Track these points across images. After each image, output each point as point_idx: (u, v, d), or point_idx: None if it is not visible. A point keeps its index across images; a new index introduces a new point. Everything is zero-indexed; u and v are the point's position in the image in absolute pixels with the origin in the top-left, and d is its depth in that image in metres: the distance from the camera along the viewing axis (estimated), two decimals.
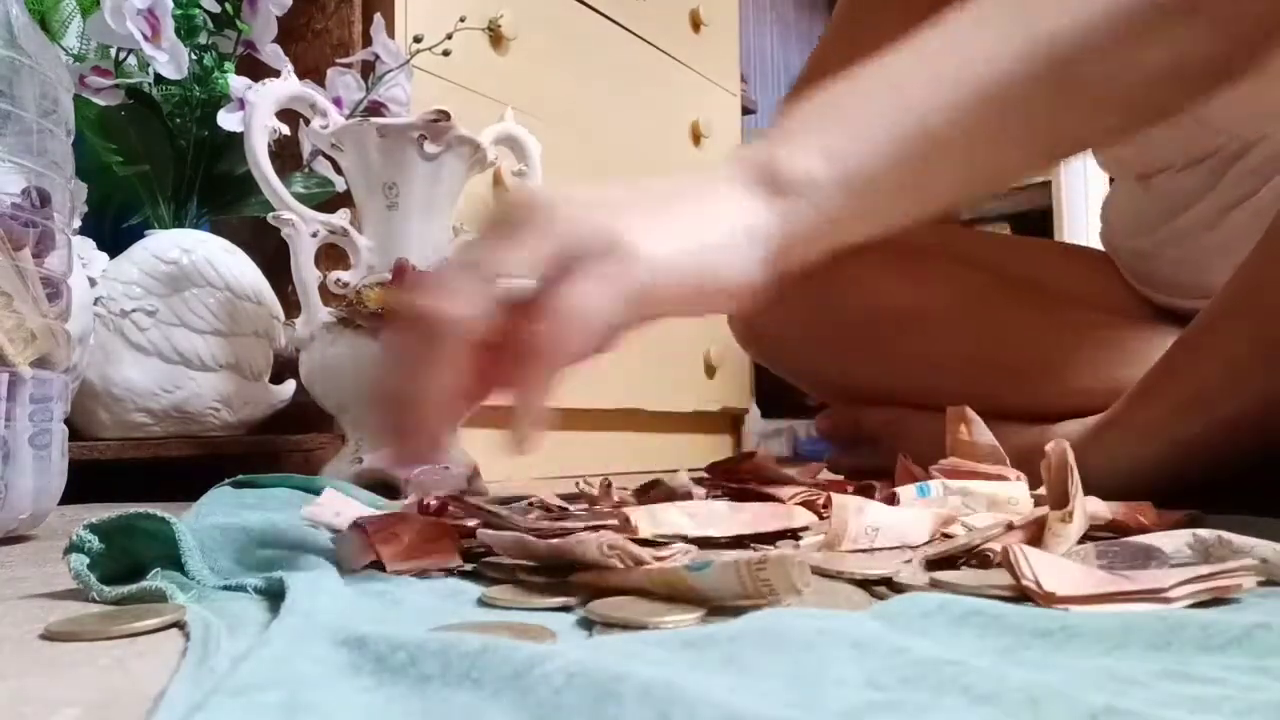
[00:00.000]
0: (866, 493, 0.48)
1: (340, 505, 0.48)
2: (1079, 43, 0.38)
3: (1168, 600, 0.27)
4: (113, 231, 0.98)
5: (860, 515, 0.37)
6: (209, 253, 0.87)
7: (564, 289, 0.31)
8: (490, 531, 0.35)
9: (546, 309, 0.31)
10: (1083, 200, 1.59)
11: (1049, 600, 0.27)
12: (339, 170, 0.86)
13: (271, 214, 0.78)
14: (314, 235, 0.78)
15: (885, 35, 0.51)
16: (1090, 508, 0.38)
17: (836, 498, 0.38)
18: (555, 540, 0.32)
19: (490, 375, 0.32)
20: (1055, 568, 0.29)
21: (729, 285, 0.36)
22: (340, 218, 0.80)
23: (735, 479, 0.55)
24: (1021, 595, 0.28)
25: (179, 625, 0.28)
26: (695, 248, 0.34)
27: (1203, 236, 0.69)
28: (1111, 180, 0.83)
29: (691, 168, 1.61)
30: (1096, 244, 0.86)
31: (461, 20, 0.93)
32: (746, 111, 1.90)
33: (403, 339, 0.32)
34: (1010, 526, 0.35)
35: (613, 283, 0.32)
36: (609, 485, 0.53)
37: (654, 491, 0.53)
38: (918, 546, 0.37)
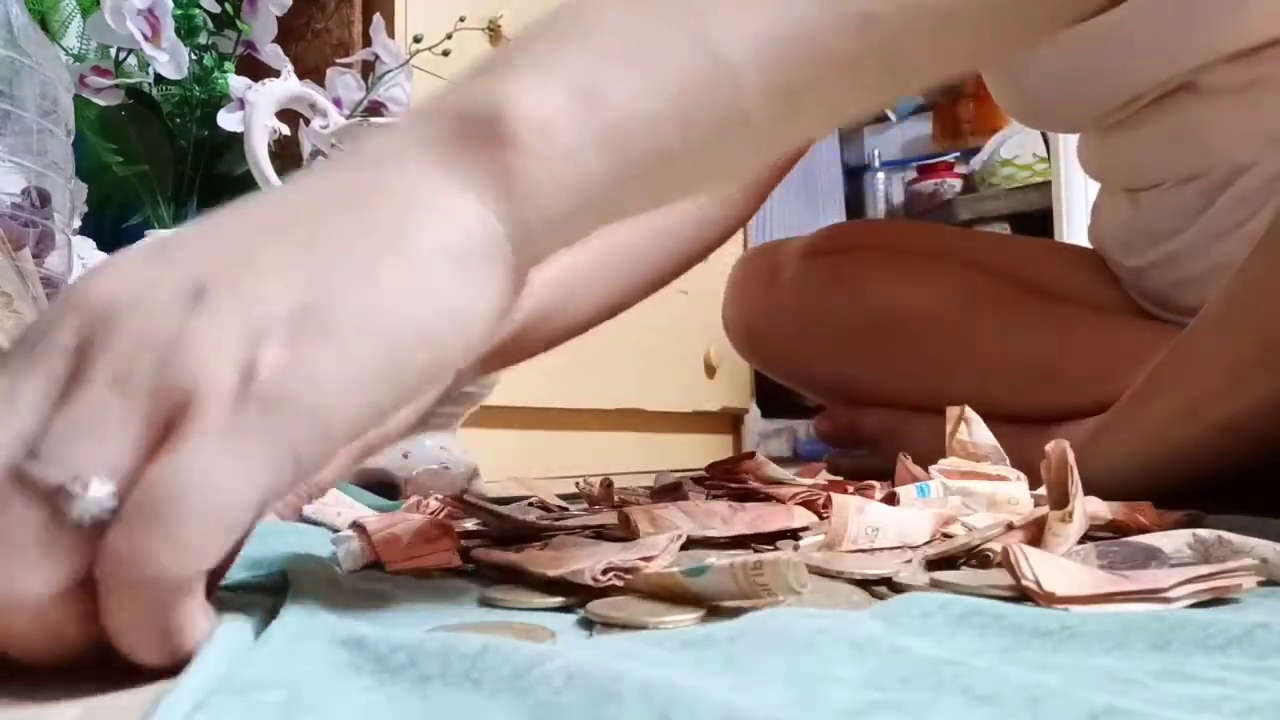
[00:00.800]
0: (866, 493, 0.48)
1: (342, 505, 0.48)
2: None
3: (1168, 600, 0.27)
4: (113, 231, 0.98)
5: (860, 515, 0.37)
6: None
7: (164, 469, 0.19)
8: (487, 552, 0.35)
9: (134, 508, 0.19)
10: (1082, 200, 1.59)
11: (1049, 600, 0.27)
12: None
13: None
14: None
15: None
16: (1090, 507, 0.38)
17: (836, 497, 0.38)
18: (549, 561, 0.32)
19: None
20: (1055, 568, 0.29)
21: (456, 350, 0.23)
22: None
23: (735, 479, 0.55)
24: (1021, 595, 0.29)
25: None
26: (382, 356, 0.22)
27: (1193, 262, 0.69)
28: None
29: None
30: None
31: (461, 20, 0.93)
32: None
33: None
34: (1010, 526, 0.35)
35: (259, 445, 0.20)
36: (609, 485, 0.54)
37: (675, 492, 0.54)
38: (918, 546, 0.37)
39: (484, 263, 0.24)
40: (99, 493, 0.19)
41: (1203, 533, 0.34)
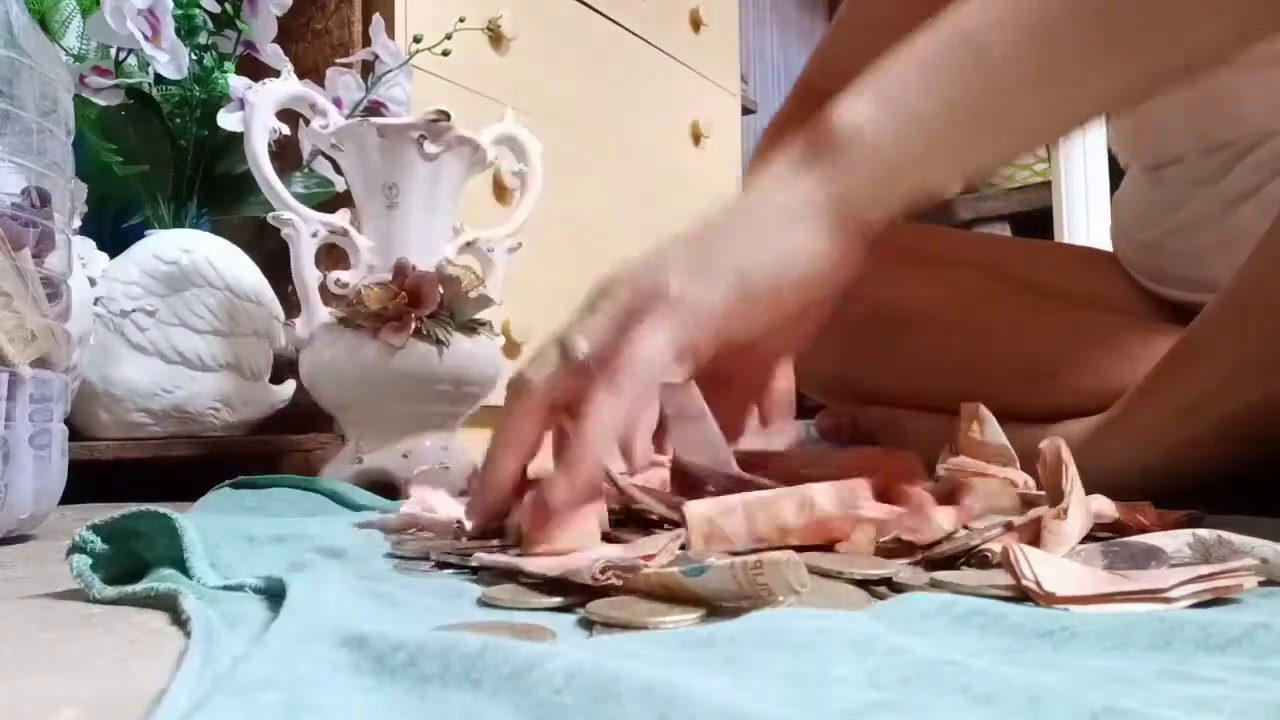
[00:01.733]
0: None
1: (430, 499, 0.48)
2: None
3: (1168, 600, 0.27)
4: (113, 231, 0.98)
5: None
6: (209, 253, 0.88)
7: (619, 344, 0.36)
8: (486, 556, 0.35)
9: (607, 364, 0.35)
10: (1082, 200, 1.59)
11: (1049, 600, 0.27)
12: (339, 170, 0.86)
13: (271, 214, 0.78)
14: (314, 235, 0.78)
15: (888, 28, 0.52)
16: (1095, 506, 0.38)
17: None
18: (549, 561, 0.32)
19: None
20: (1055, 568, 0.29)
21: (793, 281, 0.38)
22: (340, 218, 0.80)
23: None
24: (1021, 595, 0.28)
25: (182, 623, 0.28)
26: (735, 278, 0.38)
27: (1208, 229, 0.69)
28: (1122, 174, 0.83)
29: (691, 168, 1.61)
30: (1096, 244, 0.86)
31: (461, 20, 0.93)
32: (746, 111, 1.90)
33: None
34: (1010, 526, 0.35)
35: (658, 328, 0.36)
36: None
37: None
38: (920, 546, 0.37)
39: (812, 223, 0.38)
40: (583, 348, 0.36)
41: (1203, 533, 0.34)
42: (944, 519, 0.35)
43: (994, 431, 0.49)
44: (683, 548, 0.35)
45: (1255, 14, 0.38)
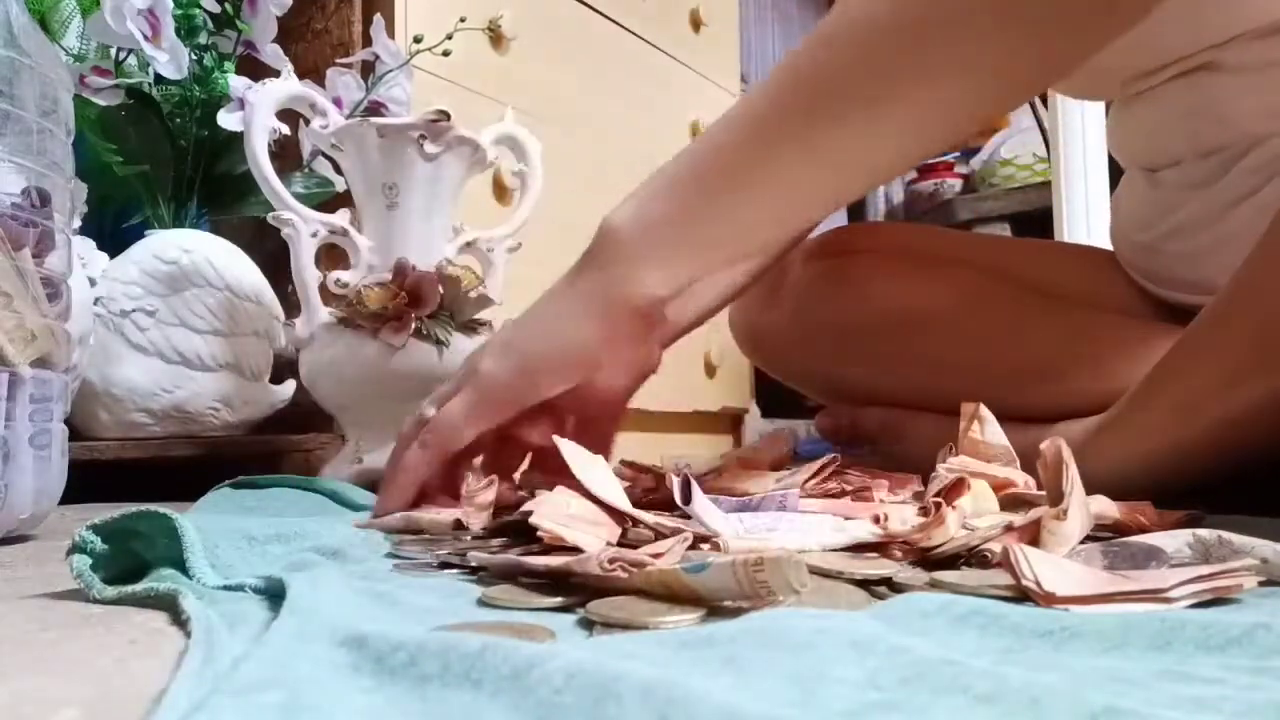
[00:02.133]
0: (865, 495, 0.48)
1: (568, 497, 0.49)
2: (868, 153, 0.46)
3: (1168, 600, 0.27)
4: (113, 231, 0.98)
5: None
6: (209, 253, 0.87)
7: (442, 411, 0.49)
8: (483, 555, 0.35)
9: (427, 425, 0.50)
10: (1082, 200, 1.59)
11: (1049, 600, 0.27)
12: (339, 170, 0.86)
13: (271, 214, 0.78)
14: (314, 235, 0.78)
15: None
16: (1096, 507, 0.38)
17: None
18: (554, 560, 0.32)
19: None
20: (1055, 568, 0.29)
21: (562, 359, 0.48)
22: (340, 218, 0.80)
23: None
24: (1021, 595, 0.28)
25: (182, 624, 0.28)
26: (520, 352, 0.49)
27: (1205, 232, 0.69)
28: (1122, 174, 0.83)
29: None
30: (1096, 244, 0.86)
31: (461, 20, 0.93)
32: None
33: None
34: (1010, 527, 0.35)
35: (458, 400, 0.49)
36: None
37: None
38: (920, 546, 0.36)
39: (581, 310, 0.48)
40: (427, 412, 0.50)
41: (1203, 533, 0.34)
42: (952, 522, 0.35)
43: (994, 431, 0.49)
44: (692, 547, 0.35)
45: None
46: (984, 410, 0.49)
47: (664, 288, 0.48)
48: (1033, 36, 0.42)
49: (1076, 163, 1.61)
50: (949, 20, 0.42)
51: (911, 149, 0.47)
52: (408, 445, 0.49)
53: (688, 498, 0.36)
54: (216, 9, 0.91)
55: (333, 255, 0.83)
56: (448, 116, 0.77)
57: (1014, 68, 0.44)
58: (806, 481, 0.50)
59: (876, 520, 0.37)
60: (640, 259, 0.47)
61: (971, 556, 0.34)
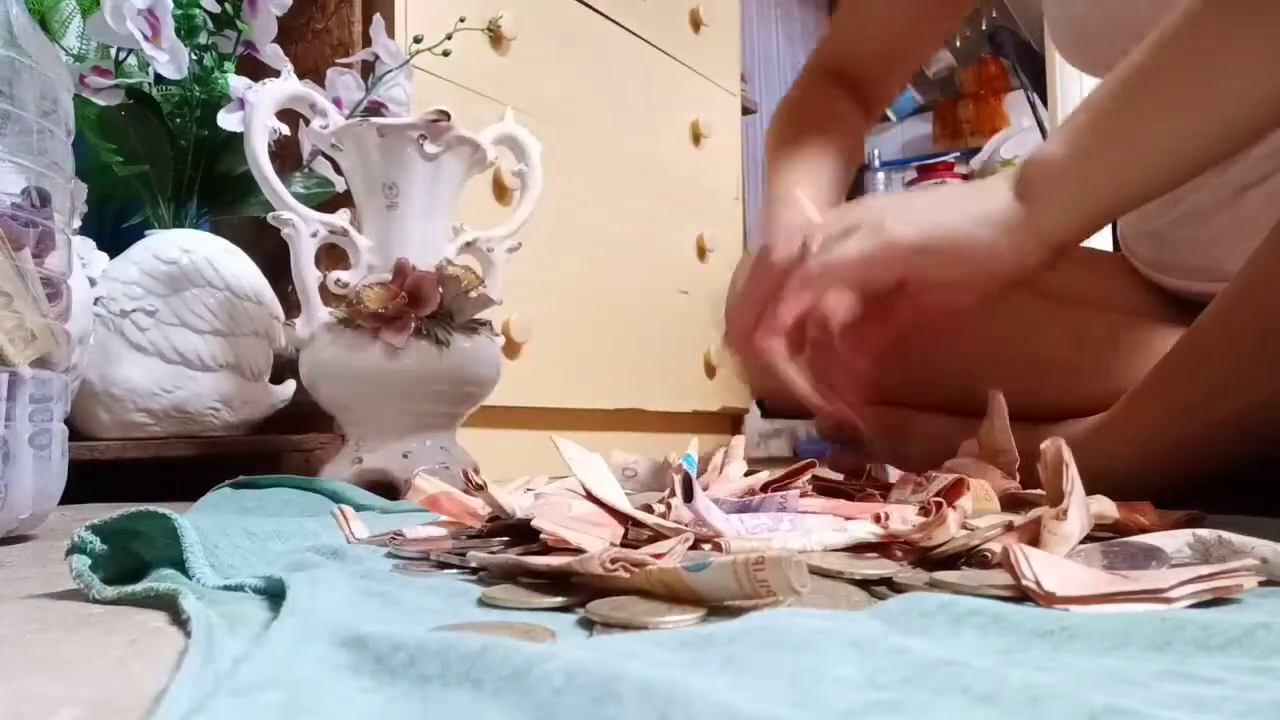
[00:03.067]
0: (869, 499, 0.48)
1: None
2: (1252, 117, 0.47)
3: (1168, 600, 0.27)
4: (113, 231, 0.98)
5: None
6: (209, 253, 0.88)
7: (827, 252, 0.50)
8: (482, 555, 0.35)
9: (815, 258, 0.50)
10: None
11: (1049, 600, 0.27)
12: (339, 170, 0.86)
13: (271, 214, 0.78)
14: (314, 235, 0.78)
15: (887, 20, 0.72)
16: (1096, 507, 0.38)
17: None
18: (555, 560, 0.32)
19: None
20: (1055, 568, 0.29)
21: (969, 250, 0.49)
22: (340, 218, 0.80)
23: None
24: (1021, 595, 0.28)
25: (181, 624, 0.28)
26: (932, 227, 0.49)
27: (1216, 218, 0.69)
28: None
29: (691, 168, 1.61)
30: (1096, 244, 0.86)
31: (461, 20, 0.93)
32: (746, 111, 1.90)
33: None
34: (1010, 526, 0.35)
35: (858, 244, 0.50)
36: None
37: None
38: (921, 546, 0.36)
39: (1000, 220, 0.49)
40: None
41: (1203, 533, 0.34)
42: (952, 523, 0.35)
43: (1001, 429, 0.49)
44: (693, 547, 0.35)
45: None
46: (998, 403, 0.51)
47: (1080, 230, 0.50)
48: None
49: None
50: None
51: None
52: (767, 264, 0.52)
53: (689, 496, 0.36)
54: (216, 9, 0.91)
55: (333, 255, 0.83)
56: (448, 116, 0.77)
57: None
58: (770, 485, 0.49)
59: (878, 519, 0.37)
60: (1063, 200, 0.49)
61: (971, 556, 0.34)
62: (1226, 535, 0.33)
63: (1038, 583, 0.28)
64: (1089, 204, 0.50)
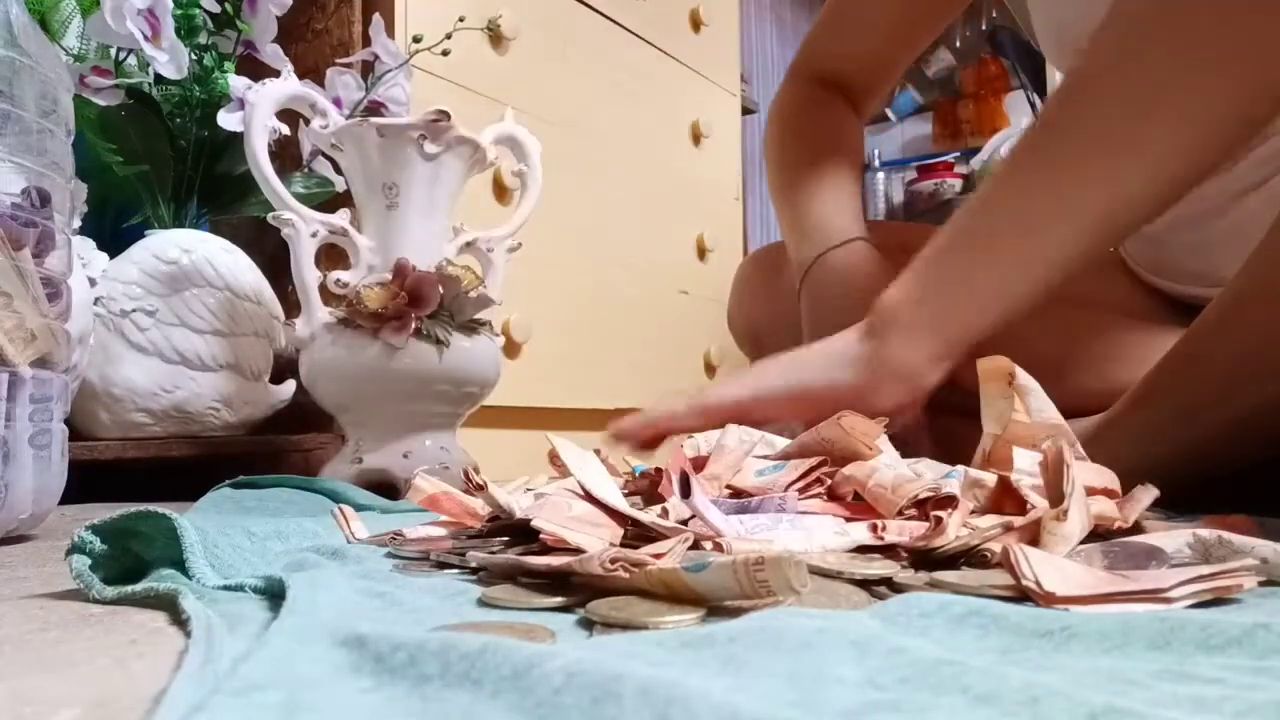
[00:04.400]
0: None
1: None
2: (1130, 206, 0.49)
3: (1168, 600, 0.27)
4: (113, 231, 0.98)
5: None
6: (209, 253, 0.88)
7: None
8: (482, 555, 0.35)
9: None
10: None
11: (1049, 600, 0.27)
12: (339, 170, 0.86)
13: (271, 214, 0.78)
14: (314, 235, 0.78)
15: (872, 24, 0.70)
16: (1097, 508, 0.38)
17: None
18: (555, 560, 0.32)
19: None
20: (1055, 568, 0.29)
21: (834, 397, 0.53)
22: (340, 218, 0.80)
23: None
24: (1021, 595, 0.28)
25: (181, 623, 0.28)
26: (792, 376, 0.57)
27: (1215, 222, 0.69)
28: None
29: (691, 167, 1.61)
30: None
31: (461, 20, 0.93)
32: (746, 111, 1.90)
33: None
34: (1010, 527, 0.35)
35: (738, 383, 0.58)
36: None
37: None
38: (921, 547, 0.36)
39: (846, 358, 0.55)
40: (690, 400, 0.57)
41: (1203, 532, 0.34)
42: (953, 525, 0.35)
43: (1041, 401, 0.45)
44: (693, 547, 0.35)
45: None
46: (1024, 380, 0.45)
47: (930, 362, 0.54)
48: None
49: None
50: (1217, 15, 0.44)
51: (1176, 171, 0.48)
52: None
53: (687, 493, 0.36)
54: (216, 9, 0.91)
55: (333, 255, 0.83)
56: (448, 116, 0.77)
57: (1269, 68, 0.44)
58: (791, 485, 0.46)
59: (874, 529, 0.37)
60: (907, 337, 0.54)
61: (971, 556, 0.34)
62: (1227, 535, 0.33)
63: (1038, 583, 0.28)
64: (931, 337, 0.54)
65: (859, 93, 0.82)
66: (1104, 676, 0.21)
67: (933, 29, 0.81)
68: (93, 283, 0.82)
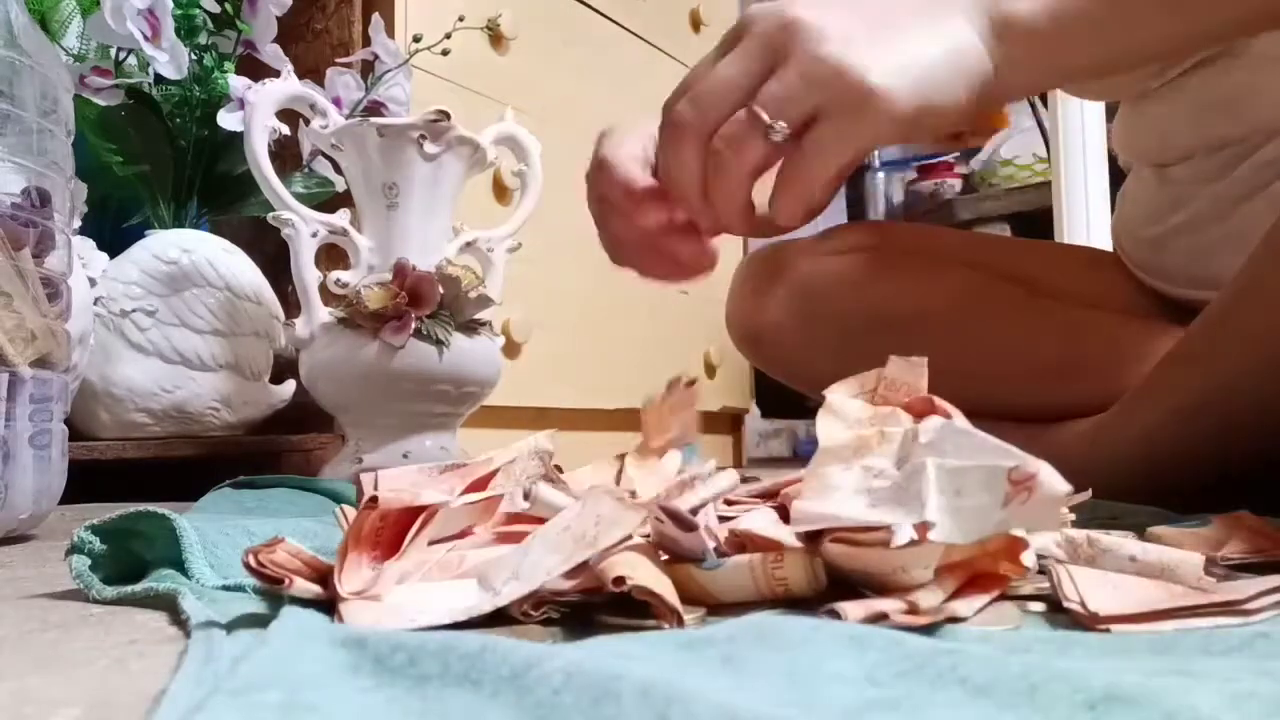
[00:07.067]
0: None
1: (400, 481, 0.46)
2: None
3: (1247, 613, 0.26)
4: (113, 231, 0.98)
5: None
6: (209, 253, 0.88)
7: (817, 131, 0.40)
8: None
9: (800, 146, 0.40)
10: (1082, 200, 1.59)
11: (1093, 621, 0.26)
12: (339, 170, 0.86)
13: (271, 214, 0.78)
14: (314, 235, 0.78)
15: None
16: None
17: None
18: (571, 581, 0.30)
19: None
20: (1112, 585, 0.27)
21: (944, 110, 0.41)
22: (340, 218, 0.80)
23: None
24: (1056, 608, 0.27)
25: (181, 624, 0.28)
26: (922, 77, 0.40)
27: (1214, 226, 0.69)
28: (1125, 173, 0.83)
29: None
30: (1096, 244, 0.86)
31: (461, 20, 0.93)
32: None
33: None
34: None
35: (855, 121, 0.39)
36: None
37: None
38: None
39: (970, 75, 0.41)
40: (784, 131, 0.40)
41: (1072, 532, 0.32)
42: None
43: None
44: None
45: None
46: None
47: (1022, 94, 0.49)
48: None
49: (1076, 163, 1.60)
50: None
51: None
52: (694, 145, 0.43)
53: (689, 527, 0.34)
54: (216, 9, 0.91)
55: (333, 255, 0.83)
56: (448, 116, 0.77)
57: None
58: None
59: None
60: (1022, 68, 0.43)
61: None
62: (1095, 534, 0.32)
63: (1082, 603, 0.26)
64: (1055, 71, 0.47)
65: None
66: (1105, 672, 0.21)
67: None
68: (93, 283, 0.82)
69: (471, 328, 0.79)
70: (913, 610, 0.25)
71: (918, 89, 0.39)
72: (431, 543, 0.34)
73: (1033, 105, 2.01)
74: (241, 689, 0.19)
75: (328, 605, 0.28)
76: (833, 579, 0.28)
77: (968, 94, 0.41)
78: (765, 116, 0.40)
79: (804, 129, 0.40)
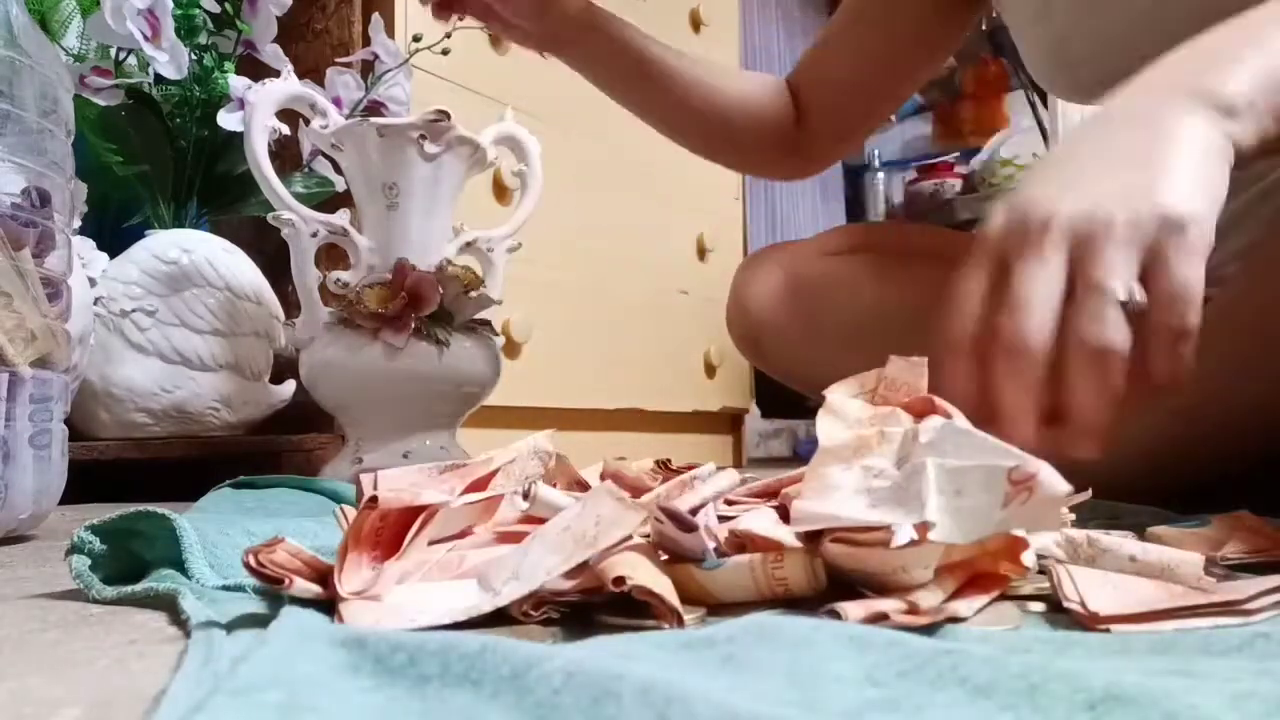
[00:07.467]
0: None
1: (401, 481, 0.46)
2: None
3: (1247, 613, 0.26)
4: (113, 231, 0.98)
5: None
6: (209, 253, 0.88)
7: (1165, 275, 0.37)
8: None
9: (1158, 299, 0.38)
10: None
11: (1093, 621, 0.26)
12: (339, 170, 0.86)
13: (271, 214, 0.78)
14: (314, 235, 0.78)
15: (887, 30, 0.64)
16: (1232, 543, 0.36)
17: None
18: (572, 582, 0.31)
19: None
20: (1112, 585, 0.27)
21: (1223, 196, 0.40)
22: (340, 218, 0.80)
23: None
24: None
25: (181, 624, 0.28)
26: (1209, 187, 0.40)
27: (1221, 243, 0.69)
28: None
29: (691, 168, 1.61)
30: None
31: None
32: None
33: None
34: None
35: (1191, 251, 0.38)
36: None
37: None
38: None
39: (1220, 154, 0.40)
40: (1139, 297, 0.37)
41: (1072, 532, 0.32)
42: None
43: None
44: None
45: None
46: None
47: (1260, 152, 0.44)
48: None
49: None
50: None
51: None
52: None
53: (688, 527, 0.34)
54: (216, 9, 0.91)
55: (333, 255, 0.83)
56: (448, 116, 0.77)
57: None
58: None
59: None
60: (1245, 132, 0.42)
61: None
62: (1095, 534, 0.32)
63: (1082, 603, 0.26)
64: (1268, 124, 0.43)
65: (819, 113, 0.80)
66: (1105, 672, 0.21)
67: (909, 76, 0.80)
68: (93, 283, 0.82)
69: (471, 328, 0.79)
70: (913, 610, 0.25)
71: (1201, 189, 0.39)
72: (431, 543, 0.34)
73: (1032, 105, 2.01)
74: (241, 689, 0.19)
75: (328, 605, 0.28)
76: (833, 579, 0.28)
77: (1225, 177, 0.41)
78: (1119, 291, 0.37)
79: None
